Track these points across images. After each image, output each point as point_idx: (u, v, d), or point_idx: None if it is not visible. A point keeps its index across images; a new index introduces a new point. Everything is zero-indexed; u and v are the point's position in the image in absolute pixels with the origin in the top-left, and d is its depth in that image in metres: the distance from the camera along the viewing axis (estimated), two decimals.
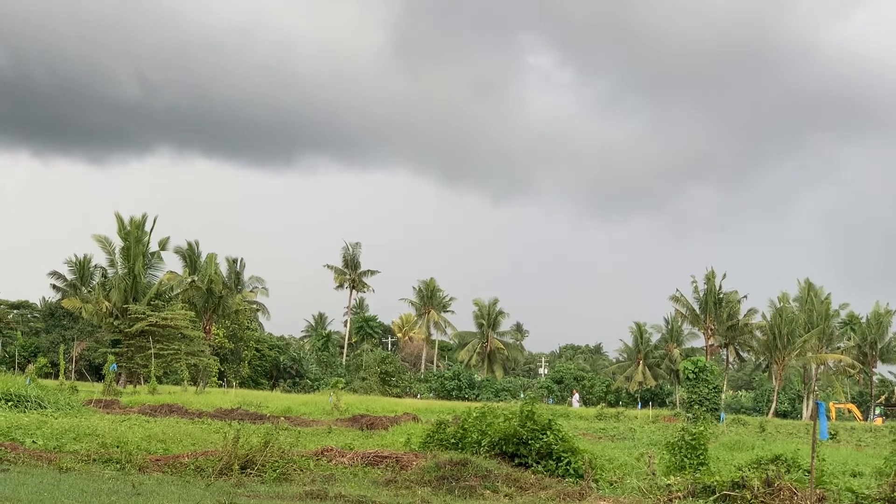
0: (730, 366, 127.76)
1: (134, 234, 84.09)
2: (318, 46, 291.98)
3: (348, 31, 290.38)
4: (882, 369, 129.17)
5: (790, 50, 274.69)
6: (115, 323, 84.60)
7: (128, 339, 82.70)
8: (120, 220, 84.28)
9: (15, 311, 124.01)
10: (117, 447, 23.73)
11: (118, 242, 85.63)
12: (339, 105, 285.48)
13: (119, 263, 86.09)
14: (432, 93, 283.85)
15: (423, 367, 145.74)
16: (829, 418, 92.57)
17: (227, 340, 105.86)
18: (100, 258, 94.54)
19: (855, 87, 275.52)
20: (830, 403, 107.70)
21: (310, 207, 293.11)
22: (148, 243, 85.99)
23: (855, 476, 25.95)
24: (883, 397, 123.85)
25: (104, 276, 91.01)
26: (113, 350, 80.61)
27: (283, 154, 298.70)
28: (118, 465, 21.00)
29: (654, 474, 21.73)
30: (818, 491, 18.65)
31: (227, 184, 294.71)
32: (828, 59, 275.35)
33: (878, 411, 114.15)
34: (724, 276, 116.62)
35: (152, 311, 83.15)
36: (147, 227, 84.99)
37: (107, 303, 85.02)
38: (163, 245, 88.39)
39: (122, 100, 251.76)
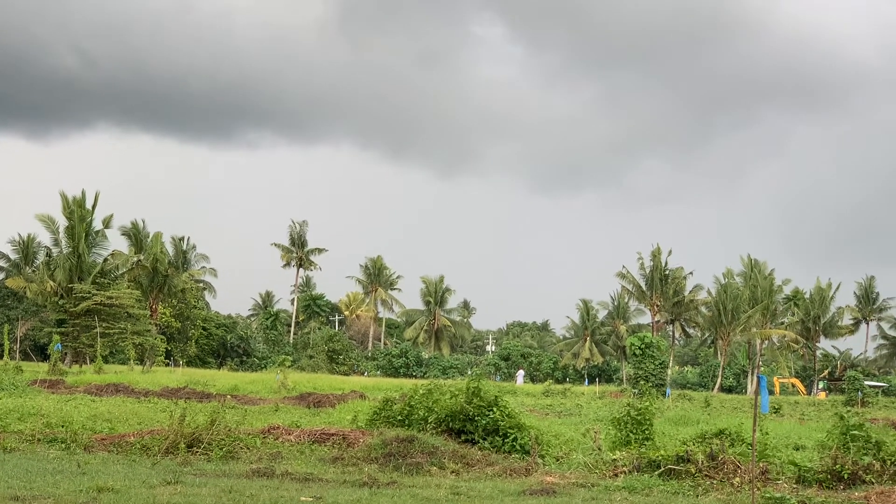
0: (676, 342, 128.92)
1: (77, 213, 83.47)
2: (258, 17, 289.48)
3: (289, 1, 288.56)
4: (825, 344, 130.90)
5: (742, 26, 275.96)
6: (60, 302, 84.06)
7: (73, 318, 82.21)
8: (64, 198, 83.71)
9: None
10: (62, 427, 23.60)
11: (62, 221, 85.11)
12: (280, 78, 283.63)
13: (63, 242, 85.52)
14: (375, 64, 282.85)
15: (370, 344, 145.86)
16: (772, 392, 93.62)
17: (173, 319, 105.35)
18: (44, 237, 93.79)
19: (807, 63, 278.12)
20: (775, 378, 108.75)
21: (254, 183, 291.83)
22: (91, 222, 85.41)
23: (798, 449, 26.24)
24: (826, 372, 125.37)
25: (48, 255, 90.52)
26: (58, 329, 79.98)
27: (224, 129, 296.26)
28: (63, 445, 20.90)
29: (600, 449, 21.88)
30: (761, 464, 18.88)
31: (169, 160, 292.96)
32: (780, 35, 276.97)
33: (821, 385, 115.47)
34: (670, 252, 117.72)
35: (98, 290, 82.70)
36: (89, 205, 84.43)
37: (51, 282, 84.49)
38: (106, 223, 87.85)
39: (60, 73, 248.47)
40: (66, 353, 78.76)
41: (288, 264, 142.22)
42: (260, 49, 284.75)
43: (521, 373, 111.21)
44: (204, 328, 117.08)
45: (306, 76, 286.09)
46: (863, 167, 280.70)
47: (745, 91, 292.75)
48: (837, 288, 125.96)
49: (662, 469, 19.13)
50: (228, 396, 39.16)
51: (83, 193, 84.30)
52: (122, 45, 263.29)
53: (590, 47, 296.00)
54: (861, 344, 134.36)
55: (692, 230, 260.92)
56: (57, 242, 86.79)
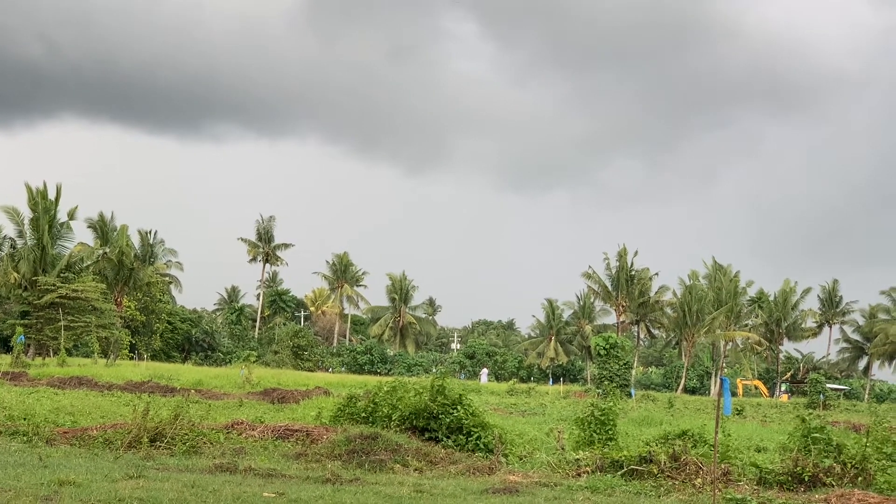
0: (641, 342, 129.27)
1: (42, 205, 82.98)
2: (226, 8, 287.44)
3: None
4: (788, 347, 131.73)
5: (716, 28, 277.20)
6: (24, 294, 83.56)
7: (37, 310, 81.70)
8: (29, 190, 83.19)
9: None
10: (24, 419, 23.44)
11: (28, 213, 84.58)
12: (248, 70, 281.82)
13: (28, 234, 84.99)
14: (345, 58, 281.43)
15: (335, 341, 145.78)
16: (735, 394, 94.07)
17: (138, 313, 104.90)
18: (9, 229, 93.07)
19: (780, 66, 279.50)
20: (738, 380, 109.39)
21: (220, 176, 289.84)
22: (55, 213, 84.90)
23: (759, 451, 26.37)
24: (788, 374, 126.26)
25: (13, 246, 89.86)
26: (21, 322, 79.54)
27: (191, 121, 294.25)
28: (25, 438, 20.74)
29: (563, 449, 21.93)
30: (723, 465, 18.96)
31: (136, 151, 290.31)
32: (753, 38, 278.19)
33: (783, 388, 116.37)
34: (636, 253, 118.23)
35: (62, 282, 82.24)
36: (52, 196, 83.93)
37: (15, 274, 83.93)
38: (71, 215, 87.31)
39: (26, 62, 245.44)
40: (29, 346, 78.30)
41: (254, 259, 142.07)
42: (228, 41, 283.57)
43: (484, 371, 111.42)
44: (169, 322, 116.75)
45: (275, 69, 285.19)
46: (833, 170, 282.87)
47: (718, 93, 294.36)
48: (807, 292, 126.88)
49: (625, 469, 19.18)
50: (192, 391, 39.09)
51: (45, 185, 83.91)
52: (88, 33, 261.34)
53: (562, 45, 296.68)
54: (824, 347, 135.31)
55: (662, 230, 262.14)
56: (22, 234, 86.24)
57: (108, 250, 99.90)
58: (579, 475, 19.36)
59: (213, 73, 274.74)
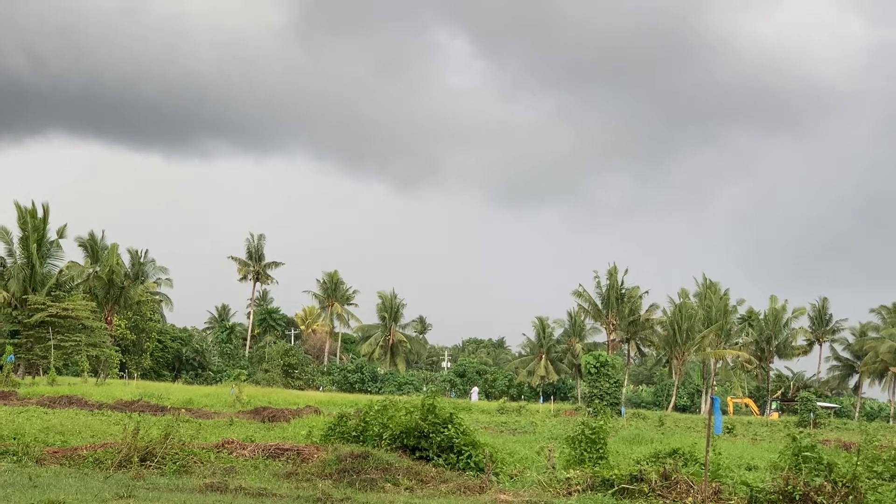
0: (631, 360, 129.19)
1: (31, 223, 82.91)
2: (211, 21, 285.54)
3: (244, 5, 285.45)
4: (779, 364, 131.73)
5: (707, 44, 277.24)
6: (14, 313, 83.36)
7: (27, 329, 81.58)
8: (19, 208, 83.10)
9: None
10: (14, 439, 23.39)
11: (17, 232, 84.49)
12: (235, 85, 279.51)
13: (18, 253, 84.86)
14: (333, 72, 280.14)
15: (326, 359, 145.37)
16: (725, 413, 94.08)
17: (128, 331, 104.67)
18: None
19: (771, 82, 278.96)
20: (728, 398, 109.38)
21: (209, 193, 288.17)
22: (45, 232, 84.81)
23: (750, 469, 26.37)
24: (779, 392, 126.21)
25: (2, 265, 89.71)
26: (11, 341, 79.32)
27: (178, 136, 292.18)
28: (15, 458, 20.69)
29: (553, 468, 21.90)
30: (714, 484, 18.96)
31: (124, 168, 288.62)
32: (745, 54, 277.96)
33: (774, 406, 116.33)
34: (626, 271, 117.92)
35: (52, 301, 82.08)
36: (41, 215, 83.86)
37: (5, 293, 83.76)
38: (60, 233, 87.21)
39: (10, 76, 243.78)
40: (19, 365, 78.08)
41: (245, 278, 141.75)
42: (213, 54, 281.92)
43: (475, 389, 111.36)
44: (159, 341, 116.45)
45: (262, 83, 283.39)
46: (825, 187, 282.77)
47: (709, 109, 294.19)
48: (801, 312, 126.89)
49: (616, 488, 19.19)
50: (183, 410, 38.99)
51: (33, 204, 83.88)
52: (71, 45, 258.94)
53: (553, 61, 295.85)
54: (814, 365, 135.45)
55: (653, 247, 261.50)
56: (11, 253, 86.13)
57: (98, 269, 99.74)
58: (570, 494, 19.37)
59: (199, 87, 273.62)
